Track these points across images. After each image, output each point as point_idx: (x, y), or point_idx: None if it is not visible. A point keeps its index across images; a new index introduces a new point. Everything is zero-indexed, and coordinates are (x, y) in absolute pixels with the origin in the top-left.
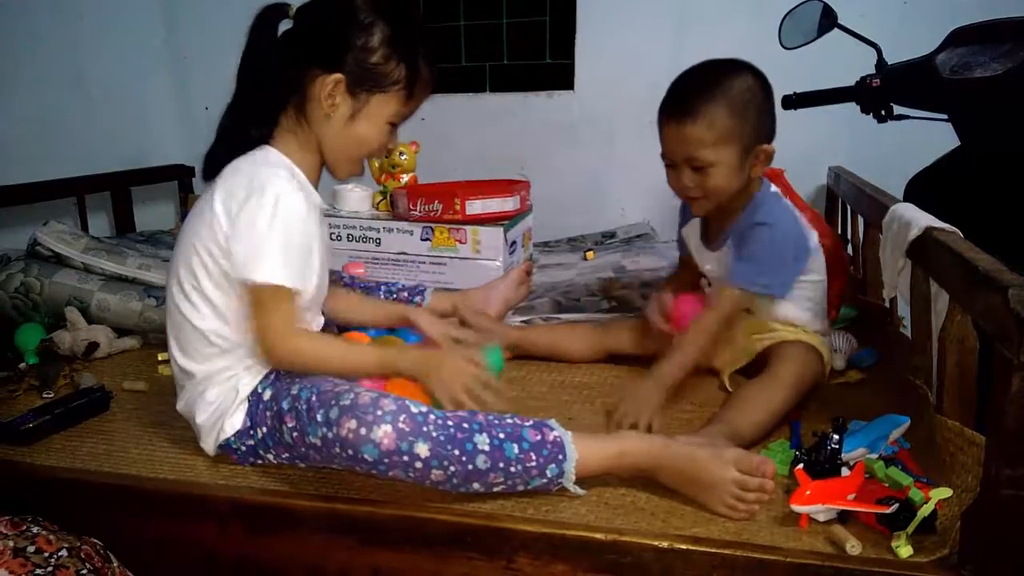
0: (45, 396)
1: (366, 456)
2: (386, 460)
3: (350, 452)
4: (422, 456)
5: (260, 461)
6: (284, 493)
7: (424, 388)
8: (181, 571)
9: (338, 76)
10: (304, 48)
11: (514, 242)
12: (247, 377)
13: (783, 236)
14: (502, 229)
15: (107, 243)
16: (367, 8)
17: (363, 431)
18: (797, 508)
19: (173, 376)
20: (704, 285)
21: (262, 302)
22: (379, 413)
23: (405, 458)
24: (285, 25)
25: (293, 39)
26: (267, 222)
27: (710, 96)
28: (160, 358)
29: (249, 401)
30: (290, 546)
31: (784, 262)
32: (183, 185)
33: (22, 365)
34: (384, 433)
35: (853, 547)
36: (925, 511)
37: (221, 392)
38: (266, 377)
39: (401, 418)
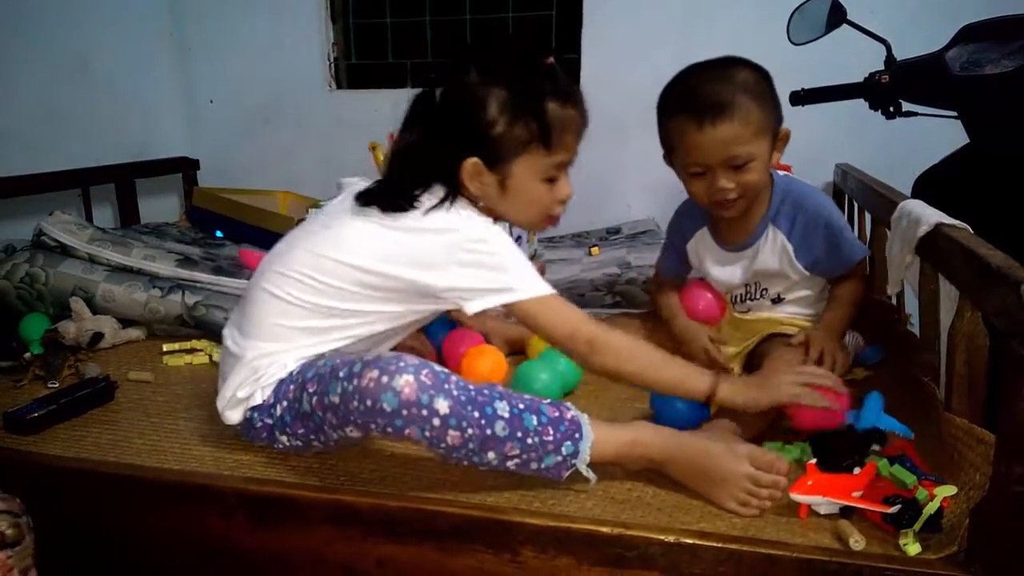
0: (50, 386)
1: (384, 406)
2: (404, 412)
3: (369, 403)
4: (441, 412)
5: (274, 443)
6: (289, 484)
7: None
8: (185, 561)
9: (474, 160)
10: (444, 136)
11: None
12: (293, 357)
13: (828, 200)
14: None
15: (112, 234)
16: (479, 78)
17: (385, 379)
18: (796, 497)
19: (225, 353)
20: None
21: (543, 312)
22: (402, 364)
23: (424, 412)
24: None
25: (439, 127)
26: (496, 247)
27: (735, 88)
28: (165, 349)
29: (283, 378)
30: (295, 537)
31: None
32: (188, 177)
33: (27, 355)
34: (406, 382)
35: (857, 542)
36: (931, 509)
37: (269, 366)
38: (306, 358)
39: (424, 372)
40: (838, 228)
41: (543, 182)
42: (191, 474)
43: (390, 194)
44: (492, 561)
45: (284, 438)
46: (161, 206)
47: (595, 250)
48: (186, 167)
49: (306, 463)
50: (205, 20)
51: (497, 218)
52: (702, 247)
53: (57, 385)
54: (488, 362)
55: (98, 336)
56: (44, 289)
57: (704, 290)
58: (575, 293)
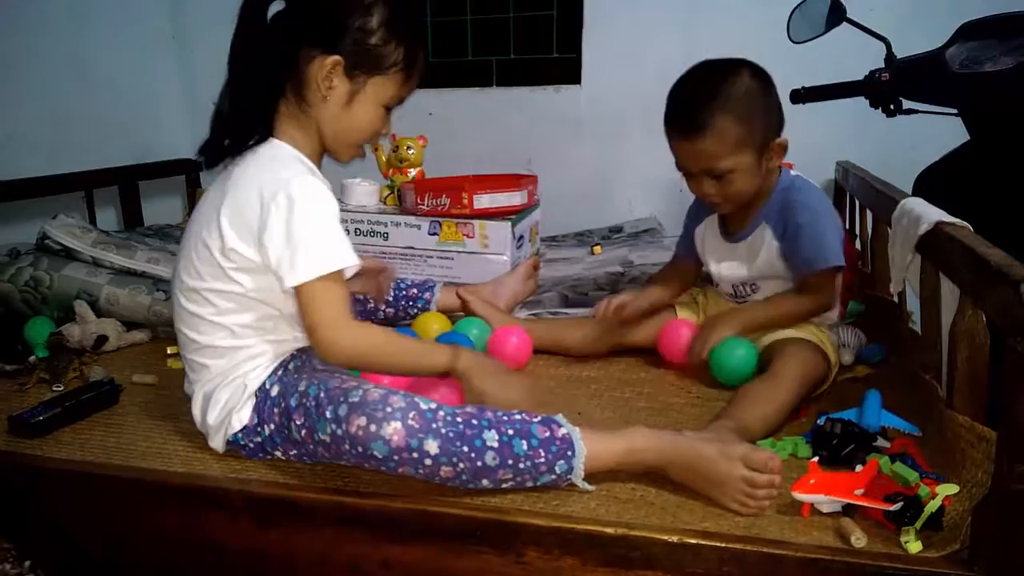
0: (55, 389)
1: (375, 453)
2: (395, 457)
3: (359, 449)
4: (431, 453)
5: (269, 457)
6: (294, 486)
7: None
8: (191, 563)
9: (336, 58)
10: (300, 29)
11: (521, 236)
12: (254, 373)
13: (823, 204)
14: (510, 223)
15: (116, 237)
16: None
17: (373, 428)
18: (798, 496)
19: (185, 377)
20: (712, 284)
21: (312, 298)
22: (388, 410)
23: (414, 455)
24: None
25: (286, 20)
26: (299, 219)
27: (715, 106)
28: (169, 351)
29: (256, 396)
30: (300, 539)
31: (833, 230)
32: (191, 179)
33: (32, 358)
34: (394, 430)
35: (858, 539)
36: (932, 507)
37: (231, 389)
38: (273, 373)
39: (411, 415)
40: (813, 231)
41: (382, 109)
42: (197, 476)
43: (213, 146)
44: (497, 562)
45: (278, 453)
46: (164, 208)
47: (597, 249)
48: (189, 168)
49: (310, 465)
50: (206, 22)
51: (320, 141)
52: (708, 233)
53: (62, 388)
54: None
55: (102, 339)
56: (48, 292)
57: (684, 327)
58: (578, 291)
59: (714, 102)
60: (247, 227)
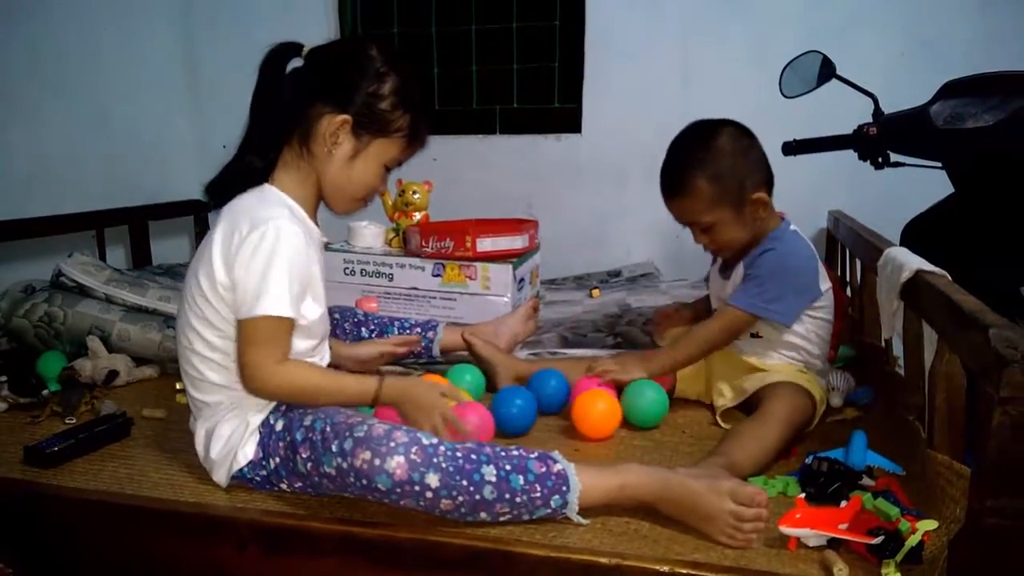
0: (67, 422)
1: (379, 486)
2: (398, 490)
3: (364, 482)
4: (432, 486)
5: (275, 490)
6: (300, 516)
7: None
8: None
9: (345, 117)
10: (314, 86)
11: (522, 279)
12: (255, 408)
13: (793, 264)
14: (511, 266)
15: (128, 275)
16: (382, 59)
17: (377, 462)
18: (785, 530)
19: (190, 412)
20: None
21: (259, 334)
22: (392, 445)
23: (416, 488)
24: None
25: (303, 76)
26: (265, 256)
27: (689, 168)
28: (178, 387)
29: (260, 432)
30: (306, 568)
31: (792, 288)
32: (199, 219)
33: (45, 392)
34: (397, 464)
35: (840, 571)
36: (912, 541)
37: (232, 425)
38: (277, 408)
39: (413, 450)
40: (761, 276)
41: (382, 168)
42: (206, 506)
43: (216, 185)
44: None
45: (283, 485)
46: (172, 247)
47: (596, 292)
48: (197, 209)
49: (316, 497)
50: (219, 72)
51: (316, 190)
52: (713, 271)
53: (74, 421)
54: (603, 406)
55: (113, 374)
56: (62, 328)
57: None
58: (577, 333)
59: (689, 164)
60: (230, 259)
